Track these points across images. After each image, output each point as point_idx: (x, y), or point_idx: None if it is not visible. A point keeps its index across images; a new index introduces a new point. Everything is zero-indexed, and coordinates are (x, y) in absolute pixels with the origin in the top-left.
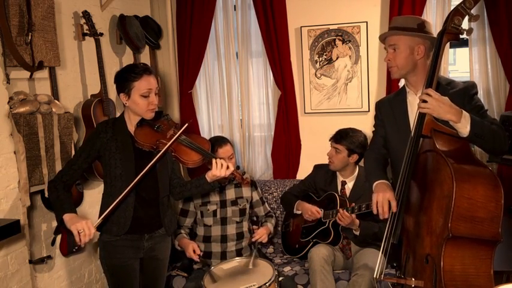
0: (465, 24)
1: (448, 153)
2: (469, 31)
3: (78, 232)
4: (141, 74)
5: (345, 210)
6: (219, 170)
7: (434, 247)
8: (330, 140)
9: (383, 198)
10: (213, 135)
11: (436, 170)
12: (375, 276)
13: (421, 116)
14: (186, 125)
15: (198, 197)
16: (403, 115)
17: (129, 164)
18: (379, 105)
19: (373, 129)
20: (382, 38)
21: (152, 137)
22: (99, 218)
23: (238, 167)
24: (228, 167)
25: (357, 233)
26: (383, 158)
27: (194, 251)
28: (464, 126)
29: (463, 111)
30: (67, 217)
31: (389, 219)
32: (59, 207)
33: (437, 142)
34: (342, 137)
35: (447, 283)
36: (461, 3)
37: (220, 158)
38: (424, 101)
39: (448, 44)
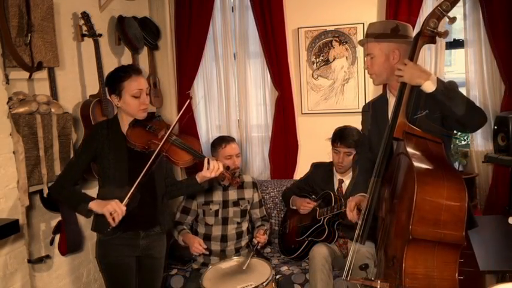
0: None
1: (417, 156)
2: (445, 33)
3: (111, 214)
4: (129, 73)
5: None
6: (209, 170)
7: (399, 249)
8: (335, 143)
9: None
10: (211, 136)
11: (405, 173)
12: (343, 278)
13: (394, 119)
14: (188, 102)
15: (201, 196)
16: (385, 118)
17: (122, 164)
18: (364, 109)
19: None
20: (361, 45)
21: (144, 137)
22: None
23: (234, 173)
24: (218, 168)
25: None
26: (369, 162)
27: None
28: (431, 84)
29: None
30: (93, 204)
31: (359, 222)
32: (78, 200)
33: (408, 144)
34: (354, 140)
35: (408, 286)
36: (438, 5)
37: (229, 156)
38: (400, 70)
39: (444, 45)
